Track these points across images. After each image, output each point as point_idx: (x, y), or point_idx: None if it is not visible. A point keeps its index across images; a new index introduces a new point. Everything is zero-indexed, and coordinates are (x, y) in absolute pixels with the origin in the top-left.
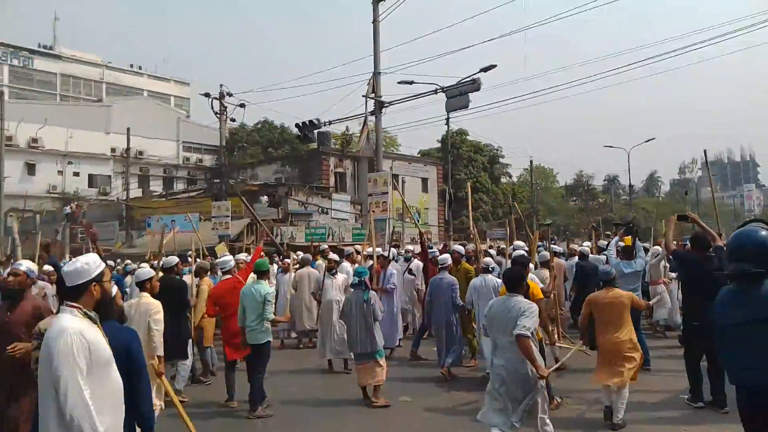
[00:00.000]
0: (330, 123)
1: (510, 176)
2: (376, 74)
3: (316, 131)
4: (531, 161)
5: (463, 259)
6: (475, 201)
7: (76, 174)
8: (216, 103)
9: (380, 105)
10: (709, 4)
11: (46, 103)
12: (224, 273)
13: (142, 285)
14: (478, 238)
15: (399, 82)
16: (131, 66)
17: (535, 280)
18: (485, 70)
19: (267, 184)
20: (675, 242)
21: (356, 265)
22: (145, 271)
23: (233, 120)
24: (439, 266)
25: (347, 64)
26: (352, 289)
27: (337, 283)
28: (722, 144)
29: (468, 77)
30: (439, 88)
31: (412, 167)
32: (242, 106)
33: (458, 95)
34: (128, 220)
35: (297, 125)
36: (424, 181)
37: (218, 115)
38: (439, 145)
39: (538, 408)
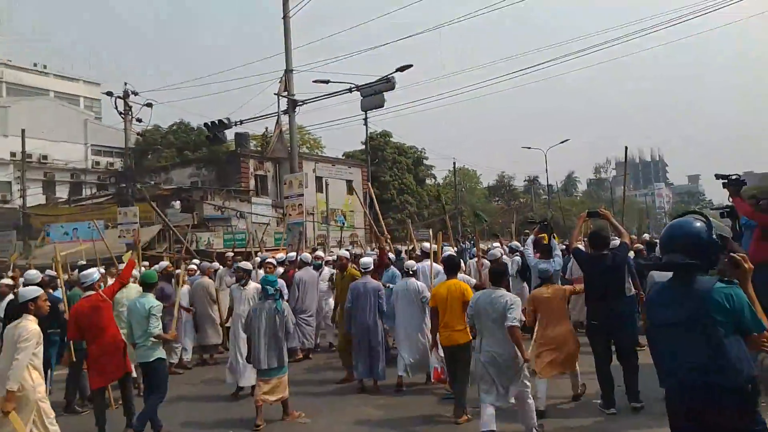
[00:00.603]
0: (242, 122)
1: (435, 178)
2: (288, 72)
3: (233, 132)
4: (454, 163)
5: (350, 264)
6: (400, 203)
7: None
8: (121, 103)
9: (293, 103)
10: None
11: None
12: (86, 289)
13: (25, 307)
14: (385, 242)
15: (314, 81)
16: (35, 65)
17: (466, 280)
18: (401, 69)
19: (180, 188)
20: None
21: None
22: (30, 289)
23: (139, 120)
24: (362, 270)
25: (261, 60)
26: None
27: (247, 294)
28: (633, 144)
29: (384, 76)
30: (353, 86)
31: (336, 169)
32: (149, 105)
33: (373, 94)
34: (25, 228)
35: (206, 125)
36: (349, 183)
37: (122, 116)
38: (363, 146)
39: (525, 387)
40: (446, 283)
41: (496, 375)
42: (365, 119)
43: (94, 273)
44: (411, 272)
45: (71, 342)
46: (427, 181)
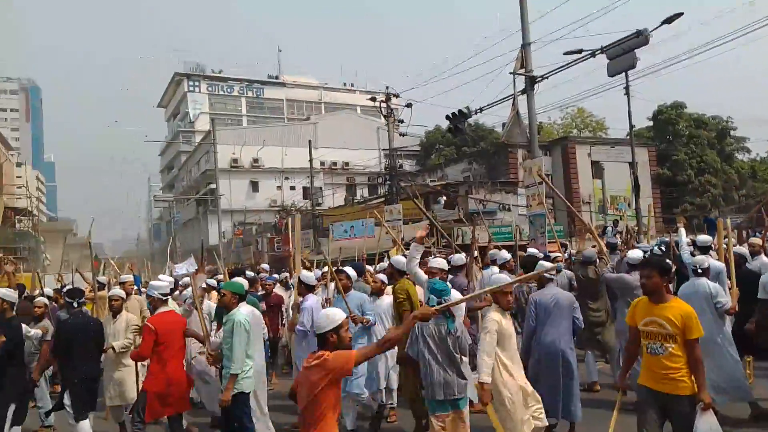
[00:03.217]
0: (481, 110)
1: (749, 151)
2: (525, 46)
3: (501, 123)
4: None
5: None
6: (700, 184)
7: (293, 188)
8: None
9: (531, 81)
10: None
11: (266, 126)
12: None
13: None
14: (595, 234)
15: (566, 53)
16: (344, 84)
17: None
18: (669, 21)
19: (449, 184)
20: None
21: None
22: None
23: (401, 122)
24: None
25: (500, 41)
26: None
27: (381, 307)
28: None
29: (635, 31)
30: (597, 50)
31: (615, 151)
32: (409, 106)
33: (622, 54)
34: (315, 227)
35: (447, 117)
36: (632, 165)
37: (387, 118)
38: (650, 123)
39: None
40: None
41: None
42: (626, 87)
43: (168, 285)
44: (701, 270)
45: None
46: (738, 156)
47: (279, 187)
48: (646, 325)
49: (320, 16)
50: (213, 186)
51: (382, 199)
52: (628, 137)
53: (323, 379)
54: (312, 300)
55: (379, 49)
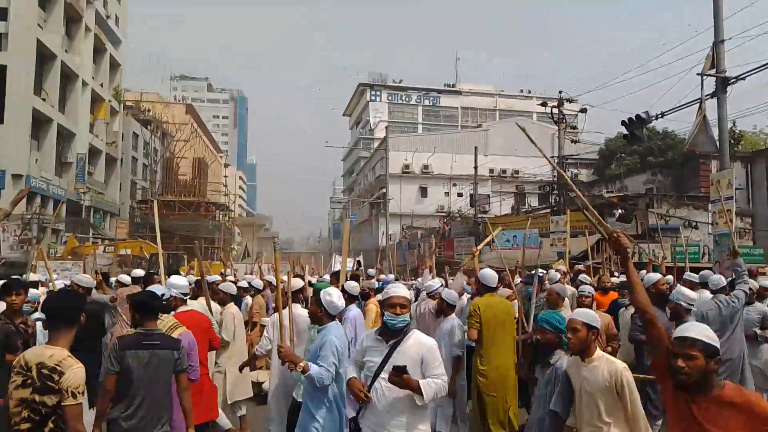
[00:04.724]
0: (663, 115)
1: None
2: (719, 43)
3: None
4: None
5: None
6: None
7: (460, 194)
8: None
9: (723, 82)
10: None
11: (438, 133)
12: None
13: None
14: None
15: None
16: (521, 91)
17: None
18: None
19: (626, 196)
20: None
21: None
22: None
23: (574, 128)
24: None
25: (689, 39)
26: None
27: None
28: None
29: None
30: None
31: None
32: (583, 111)
33: None
34: (477, 235)
35: (623, 122)
36: None
37: (557, 124)
38: None
39: None
40: None
41: None
42: None
43: (187, 285)
44: None
45: None
46: None
47: (447, 194)
48: None
49: (501, 24)
50: (385, 190)
51: (548, 210)
52: None
53: None
54: (355, 311)
55: (563, 55)
